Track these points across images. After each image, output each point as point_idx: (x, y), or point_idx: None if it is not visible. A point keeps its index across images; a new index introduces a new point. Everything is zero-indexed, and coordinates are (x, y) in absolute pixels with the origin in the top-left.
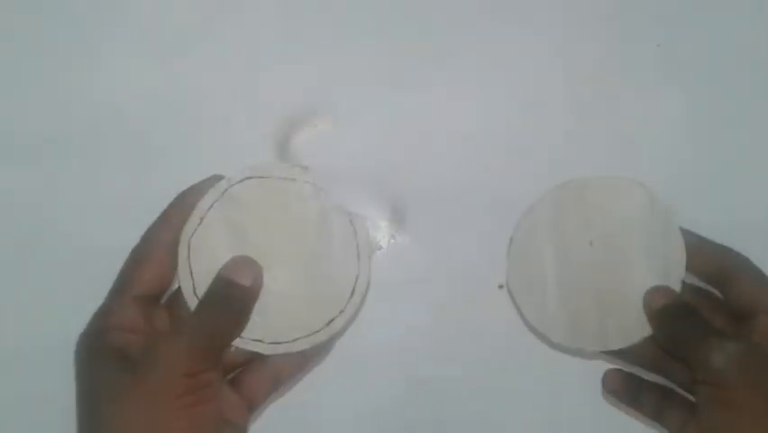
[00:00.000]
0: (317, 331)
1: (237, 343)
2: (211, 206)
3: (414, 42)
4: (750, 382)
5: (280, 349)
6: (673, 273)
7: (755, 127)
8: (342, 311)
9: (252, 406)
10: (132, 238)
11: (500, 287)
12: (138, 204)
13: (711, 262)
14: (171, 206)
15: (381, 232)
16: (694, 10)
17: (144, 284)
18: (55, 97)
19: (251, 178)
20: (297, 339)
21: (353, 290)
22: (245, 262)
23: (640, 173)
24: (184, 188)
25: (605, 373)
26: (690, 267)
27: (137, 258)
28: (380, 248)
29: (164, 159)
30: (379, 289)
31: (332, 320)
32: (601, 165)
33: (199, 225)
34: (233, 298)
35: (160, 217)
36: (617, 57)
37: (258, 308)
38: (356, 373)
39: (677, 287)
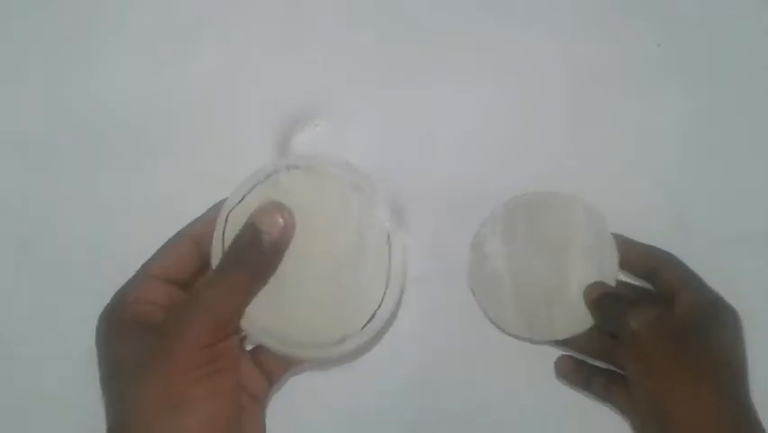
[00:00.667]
0: (327, 346)
1: (247, 328)
2: (254, 186)
3: (414, 42)
4: (660, 339)
5: (287, 350)
6: (608, 271)
7: (755, 127)
8: (356, 332)
9: (272, 380)
10: (132, 238)
11: None
12: (138, 204)
13: (641, 260)
14: (211, 208)
15: None
16: (694, 10)
17: (164, 268)
18: (55, 97)
19: (297, 167)
20: (306, 347)
21: (374, 314)
22: (276, 208)
23: (640, 173)
24: (183, 187)
25: (557, 360)
26: (623, 266)
27: (163, 246)
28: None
29: (164, 159)
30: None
31: (343, 339)
32: (601, 165)
33: (240, 202)
34: (259, 246)
35: (199, 217)
36: (617, 57)
37: (276, 298)
38: (356, 373)
39: (612, 282)
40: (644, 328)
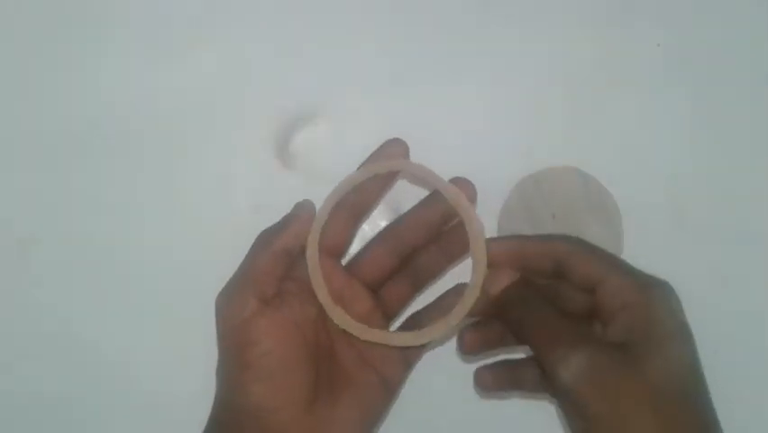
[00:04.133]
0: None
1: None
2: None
3: (414, 43)
4: (597, 391)
5: (373, 336)
6: (615, 225)
7: (756, 127)
8: (438, 322)
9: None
10: (133, 238)
11: None
12: (137, 204)
13: (541, 257)
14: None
15: None
16: (694, 10)
17: (285, 241)
18: (55, 97)
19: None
20: (393, 331)
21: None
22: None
23: (640, 173)
24: (183, 187)
25: (475, 376)
26: (525, 270)
27: (286, 219)
28: None
29: (164, 159)
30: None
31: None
32: (601, 164)
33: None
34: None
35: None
36: (617, 57)
37: None
38: None
39: (619, 236)
40: (581, 383)
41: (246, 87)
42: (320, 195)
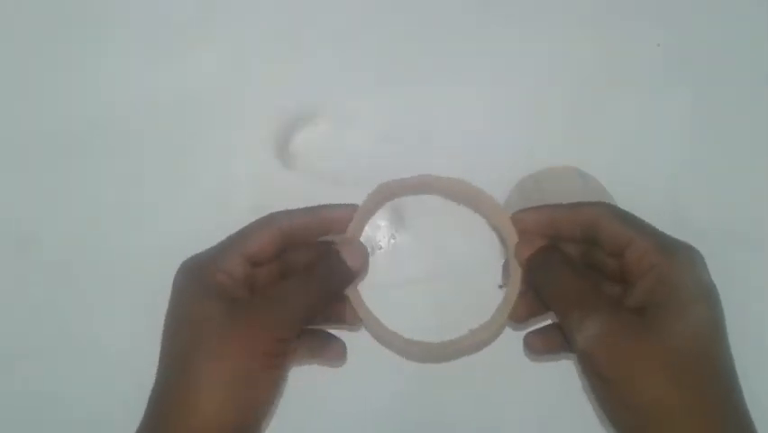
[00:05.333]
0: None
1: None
2: None
3: (414, 43)
4: (610, 354)
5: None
6: None
7: (756, 127)
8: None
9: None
10: (132, 237)
11: (500, 287)
12: (137, 204)
13: (572, 221)
14: (304, 208)
15: (381, 232)
16: (694, 10)
17: (251, 250)
18: (55, 97)
19: None
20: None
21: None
22: (360, 247)
23: (640, 172)
24: (183, 187)
25: (525, 340)
26: (559, 236)
27: (252, 227)
28: (381, 248)
29: (164, 159)
30: (379, 289)
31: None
32: (601, 164)
33: None
34: (336, 274)
35: (292, 210)
36: (617, 57)
37: None
38: (356, 372)
39: None
40: (597, 348)
41: (246, 87)
42: (320, 195)
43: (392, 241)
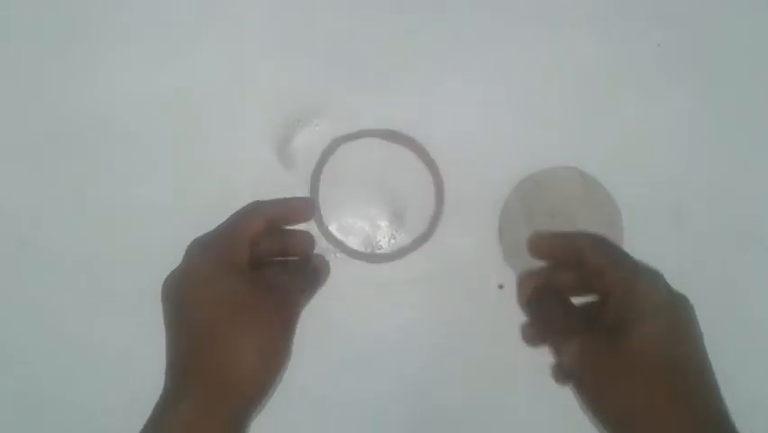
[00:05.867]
0: None
1: None
2: None
3: (414, 43)
4: (597, 368)
5: None
6: (616, 228)
7: (755, 127)
8: None
9: None
10: (132, 237)
11: (500, 287)
12: (137, 203)
13: (566, 247)
14: (280, 199)
15: (381, 232)
16: (694, 10)
17: (253, 229)
18: (55, 97)
19: None
20: None
21: None
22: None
23: (640, 172)
24: (183, 187)
25: (522, 329)
26: (553, 258)
27: (248, 211)
28: (381, 248)
29: (164, 159)
30: (379, 289)
31: None
32: (601, 164)
33: None
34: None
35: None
36: (617, 57)
37: None
38: (356, 372)
39: (619, 240)
40: (576, 364)
41: (246, 87)
42: (320, 195)
43: (392, 241)
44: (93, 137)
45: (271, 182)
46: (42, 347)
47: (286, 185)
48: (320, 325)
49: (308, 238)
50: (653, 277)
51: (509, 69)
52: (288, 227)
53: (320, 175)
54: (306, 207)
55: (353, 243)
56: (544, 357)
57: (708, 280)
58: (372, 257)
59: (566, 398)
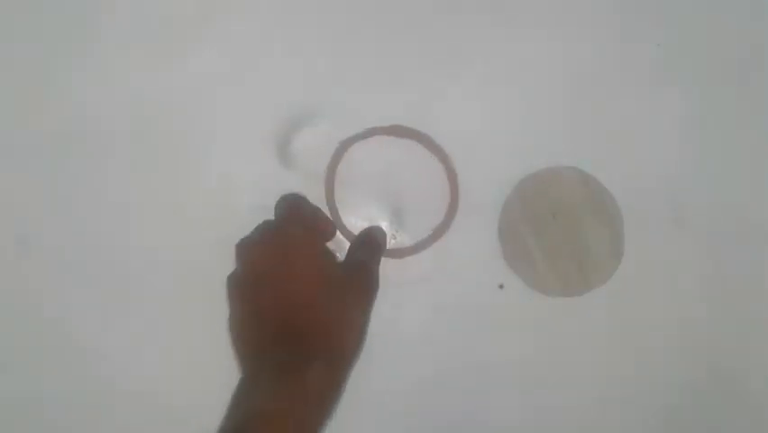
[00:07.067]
0: None
1: None
2: None
3: (414, 43)
4: None
5: None
6: (615, 224)
7: (755, 127)
8: None
9: None
10: (133, 238)
11: (500, 287)
12: (137, 204)
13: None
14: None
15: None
16: (694, 10)
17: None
18: (55, 97)
19: None
20: None
21: None
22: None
23: (640, 172)
24: (183, 187)
25: None
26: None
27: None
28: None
29: (164, 159)
30: (379, 289)
31: None
32: (601, 164)
33: None
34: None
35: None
36: (617, 57)
37: None
38: (356, 372)
39: (620, 240)
40: None
41: (246, 86)
42: (320, 195)
43: (392, 241)
44: (93, 137)
45: (272, 182)
46: (42, 347)
47: (286, 185)
48: None
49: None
50: None
51: (509, 68)
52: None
53: (333, 180)
54: (328, 228)
55: None
56: (544, 357)
57: (709, 281)
58: (395, 252)
59: (566, 398)
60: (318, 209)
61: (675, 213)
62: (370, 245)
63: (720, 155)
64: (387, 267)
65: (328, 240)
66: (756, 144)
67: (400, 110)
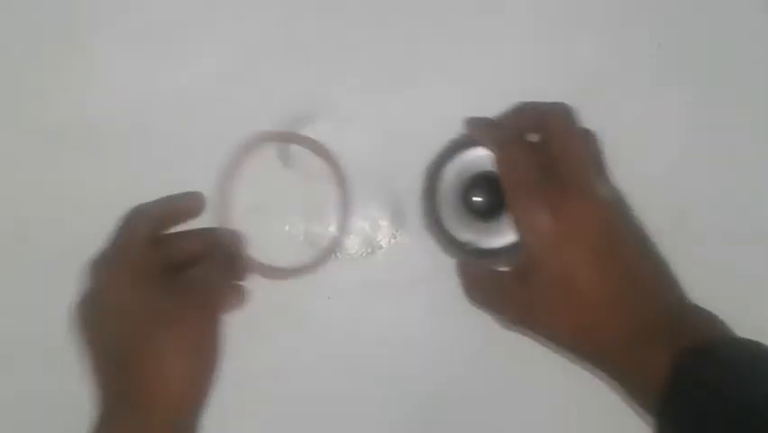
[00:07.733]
0: None
1: None
2: None
3: (414, 43)
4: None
5: None
6: None
7: (755, 127)
8: None
9: None
10: None
11: None
12: (137, 203)
13: (532, 113)
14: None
15: (382, 232)
16: (694, 10)
17: (144, 233)
18: (54, 97)
19: None
20: None
21: None
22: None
23: (640, 173)
24: (183, 187)
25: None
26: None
27: (133, 216)
28: (381, 248)
29: (163, 159)
30: (379, 289)
31: None
32: None
33: None
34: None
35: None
36: (617, 57)
37: None
38: (355, 372)
39: None
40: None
41: (246, 87)
42: (320, 195)
43: (392, 241)
44: (93, 136)
45: (271, 182)
46: (42, 347)
47: (286, 185)
48: (320, 325)
49: (229, 233)
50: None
51: (509, 68)
52: (213, 226)
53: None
54: (193, 202)
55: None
56: (544, 357)
57: (709, 281)
58: (273, 272)
59: (566, 397)
60: (173, 195)
61: (675, 213)
62: (218, 265)
63: (720, 155)
64: (386, 267)
65: (195, 215)
66: (756, 144)
67: (400, 110)
